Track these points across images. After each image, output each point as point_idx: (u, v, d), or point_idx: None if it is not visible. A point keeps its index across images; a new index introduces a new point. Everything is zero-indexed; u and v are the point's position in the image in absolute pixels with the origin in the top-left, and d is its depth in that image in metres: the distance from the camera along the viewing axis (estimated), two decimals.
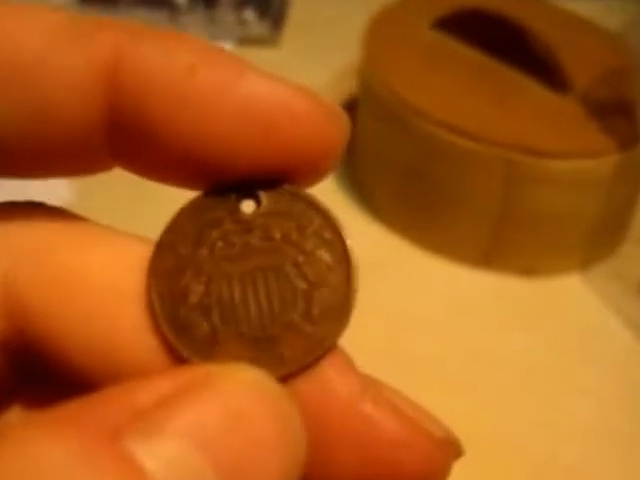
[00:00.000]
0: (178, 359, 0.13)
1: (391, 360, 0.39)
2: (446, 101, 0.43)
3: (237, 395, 0.11)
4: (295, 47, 0.58)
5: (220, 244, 0.13)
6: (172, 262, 0.13)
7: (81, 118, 0.12)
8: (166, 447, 0.10)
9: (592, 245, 0.45)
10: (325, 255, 0.13)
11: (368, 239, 0.45)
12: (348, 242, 0.13)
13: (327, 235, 0.13)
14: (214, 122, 0.12)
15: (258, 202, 0.13)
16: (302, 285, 0.13)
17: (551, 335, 0.42)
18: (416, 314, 0.42)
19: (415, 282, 0.44)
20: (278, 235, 0.13)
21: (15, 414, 0.15)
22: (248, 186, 0.13)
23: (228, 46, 0.58)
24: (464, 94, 0.43)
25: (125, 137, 0.13)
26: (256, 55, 0.57)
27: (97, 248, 0.14)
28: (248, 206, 0.13)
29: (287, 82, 0.13)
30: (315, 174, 0.13)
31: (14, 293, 0.13)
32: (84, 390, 0.11)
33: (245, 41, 0.58)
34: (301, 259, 0.13)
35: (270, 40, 0.58)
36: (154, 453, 0.10)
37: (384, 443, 0.13)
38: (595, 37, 0.48)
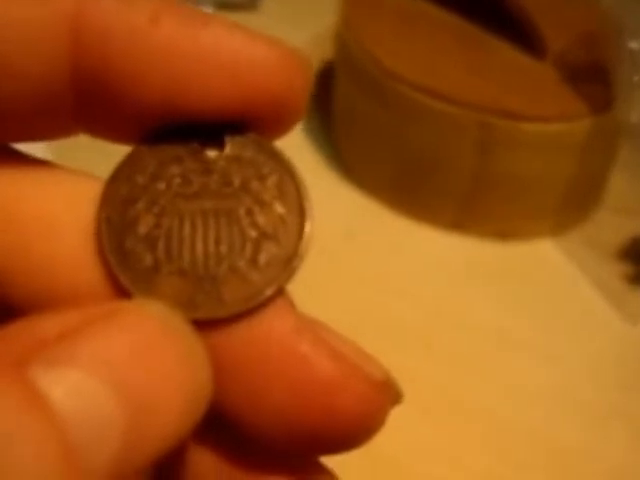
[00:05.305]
0: (118, 290, 0.13)
1: (363, 322, 0.39)
2: (422, 64, 0.42)
3: (142, 329, 0.11)
4: (274, 12, 0.58)
5: (178, 180, 0.13)
6: (126, 191, 0.13)
7: (45, 73, 0.12)
8: (70, 376, 0.10)
9: (565, 210, 0.45)
10: (281, 207, 0.13)
11: (342, 202, 0.45)
12: (306, 197, 0.13)
13: (286, 188, 0.13)
14: (179, 71, 0.12)
15: (222, 147, 0.14)
16: (252, 233, 0.13)
17: (522, 300, 0.42)
18: (388, 276, 0.42)
19: (388, 245, 0.44)
20: (237, 181, 0.13)
21: None
22: (214, 131, 0.13)
23: (207, 11, 0.57)
24: (440, 58, 0.43)
25: (89, 93, 0.13)
26: (235, 20, 0.56)
27: (41, 181, 0.13)
28: (212, 150, 0.14)
29: (247, 29, 0.13)
30: (280, 122, 0.13)
31: None
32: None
33: (224, 6, 0.58)
34: (256, 208, 0.13)
35: (249, 5, 0.58)
36: (58, 381, 0.10)
37: (318, 383, 0.13)
38: (571, 1, 0.48)
